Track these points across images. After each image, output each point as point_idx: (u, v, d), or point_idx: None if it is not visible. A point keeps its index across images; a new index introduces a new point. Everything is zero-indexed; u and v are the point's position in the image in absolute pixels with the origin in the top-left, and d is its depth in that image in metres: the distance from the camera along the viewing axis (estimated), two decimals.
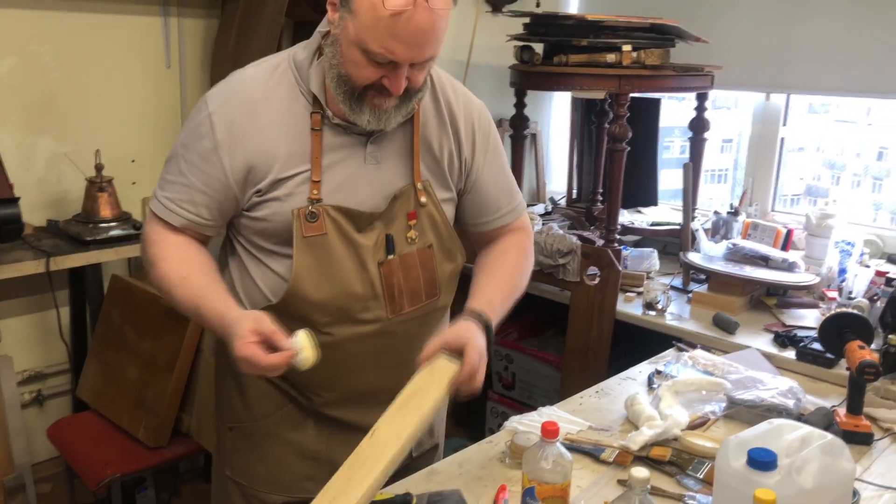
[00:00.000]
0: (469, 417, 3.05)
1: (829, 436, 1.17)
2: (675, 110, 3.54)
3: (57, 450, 2.46)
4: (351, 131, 1.33)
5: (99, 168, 2.52)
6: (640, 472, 1.03)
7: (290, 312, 1.32)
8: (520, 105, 2.86)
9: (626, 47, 2.49)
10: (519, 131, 2.88)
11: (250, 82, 1.33)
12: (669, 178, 3.50)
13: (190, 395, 2.37)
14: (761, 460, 1.10)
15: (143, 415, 2.29)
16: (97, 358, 2.51)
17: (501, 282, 1.46)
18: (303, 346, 1.21)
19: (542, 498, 1.20)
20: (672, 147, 4.08)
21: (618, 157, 2.53)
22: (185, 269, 1.33)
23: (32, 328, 2.68)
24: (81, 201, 2.55)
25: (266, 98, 1.31)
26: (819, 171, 3.84)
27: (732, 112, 3.87)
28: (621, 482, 1.42)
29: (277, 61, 1.36)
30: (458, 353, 1.27)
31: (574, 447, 1.53)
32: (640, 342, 2.32)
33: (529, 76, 2.69)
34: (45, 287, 2.55)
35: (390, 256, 1.37)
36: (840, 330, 1.78)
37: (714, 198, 3.64)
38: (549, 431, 1.22)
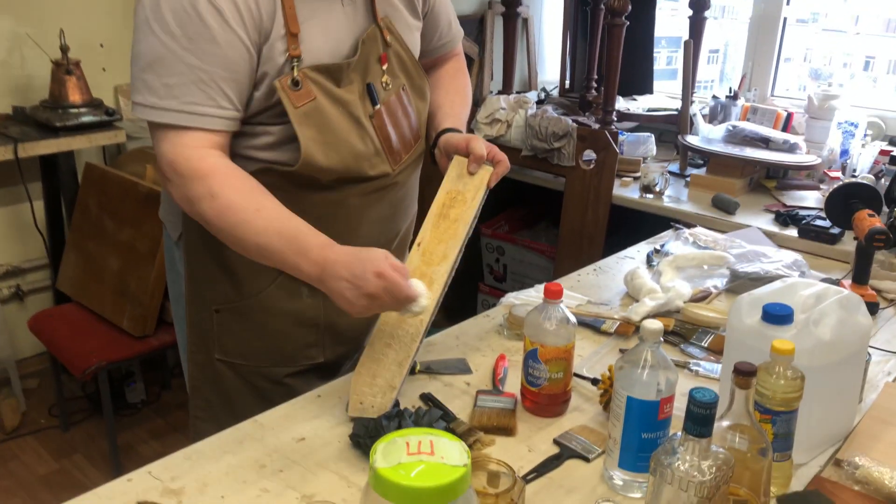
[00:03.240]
0: (460, 310, 3.02)
1: (845, 291, 1.12)
2: (661, 21, 3.37)
3: (40, 341, 2.40)
4: None
5: (64, 49, 2.36)
6: (652, 323, 0.97)
7: (294, 177, 1.24)
8: None
9: None
10: (512, 8, 2.73)
11: None
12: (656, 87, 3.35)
13: None
14: (777, 314, 1.05)
15: (126, 304, 2.22)
16: (76, 249, 2.42)
17: (462, 104, 1.49)
18: (423, 293, 1.10)
19: (546, 360, 1.15)
20: (658, 59, 3.92)
21: (616, 33, 2.40)
22: (252, 199, 1.15)
23: (6, 223, 2.58)
24: (48, 86, 2.41)
25: None
26: (805, 83, 3.73)
27: (719, 22, 3.73)
28: (623, 351, 1.38)
29: None
30: (463, 153, 1.30)
31: None
32: (637, 228, 2.25)
33: None
34: (15, 179, 2.44)
35: (376, 107, 1.29)
36: (848, 200, 1.71)
37: None
38: (553, 292, 1.16)
